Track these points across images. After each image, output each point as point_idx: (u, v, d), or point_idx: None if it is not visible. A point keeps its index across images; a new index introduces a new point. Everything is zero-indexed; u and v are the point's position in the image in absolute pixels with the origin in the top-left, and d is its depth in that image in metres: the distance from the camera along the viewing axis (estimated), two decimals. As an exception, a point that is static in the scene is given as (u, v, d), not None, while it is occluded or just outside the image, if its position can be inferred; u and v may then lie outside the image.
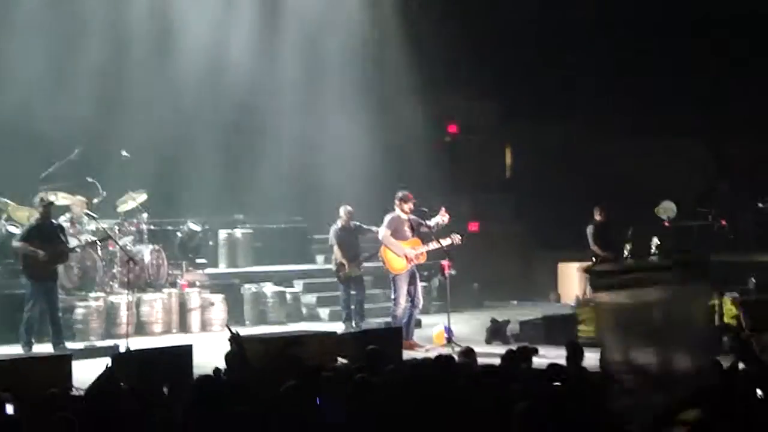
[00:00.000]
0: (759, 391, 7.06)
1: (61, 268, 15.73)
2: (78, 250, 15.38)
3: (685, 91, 21.51)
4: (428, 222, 14.89)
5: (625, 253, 18.75)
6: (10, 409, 7.55)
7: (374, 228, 15.58)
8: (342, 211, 16.58)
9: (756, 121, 21.27)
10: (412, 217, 14.93)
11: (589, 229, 18.15)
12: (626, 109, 21.95)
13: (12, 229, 15.79)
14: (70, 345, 14.21)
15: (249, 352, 9.83)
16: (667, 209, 19.77)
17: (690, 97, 21.44)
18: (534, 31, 21.98)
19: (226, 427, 6.70)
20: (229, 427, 6.70)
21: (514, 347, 10.11)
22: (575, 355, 9.17)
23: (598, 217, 18.16)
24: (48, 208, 14.27)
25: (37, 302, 13.89)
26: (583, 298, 19.68)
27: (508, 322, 15.84)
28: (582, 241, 19.56)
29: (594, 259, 18.18)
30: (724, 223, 19.62)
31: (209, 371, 8.99)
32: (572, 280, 21.45)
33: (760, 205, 20.93)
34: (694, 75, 21.40)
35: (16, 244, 14.29)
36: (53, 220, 14.55)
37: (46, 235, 14.09)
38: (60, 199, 16.52)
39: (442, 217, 14.87)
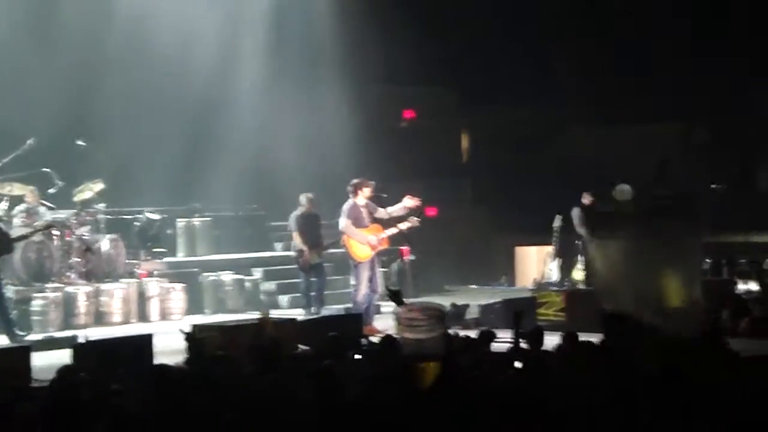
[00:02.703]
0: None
1: (17, 258, 15.67)
2: (21, 240, 15.20)
3: (645, 76, 21.64)
4: (388, 209, 14.91)
5: (555, 226, 19.00)
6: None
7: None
8: (303, 198, 16.60)
9: (714, 102, 21.49)
10: (369, 203, 14.97)
11: (575, 212, 18.27)
12: (582, 93, 22.09)
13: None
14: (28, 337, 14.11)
15: (207, 341, 9.81)
16: (623, 192, 19.93)
17: (650, 82, 21.58)
18: (492, 15, 22.05)
19: (185, 416, 6.70)
20: (189, 416, 6.70)
21: (474, 332, 10.15)
22: (537, 339, 9.24)
23: (586, 201, 18.29)
24: None
25: None
26: (540, 281, 19.88)
27: (467, 306, 15.91)
28: (538, 224, 19.73)
29: (578, 242, 18.31)
30: (680, 206, 19.79)
31: (170, 360, 8.96)
32: (530, 264, 21.61)
33: (713, 186, 21.16)
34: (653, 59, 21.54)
35: None
36: None
37: None
38: (15, 189, 16.41)
39: (408, 203, 14.86)
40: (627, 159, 21.77)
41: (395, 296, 8.84)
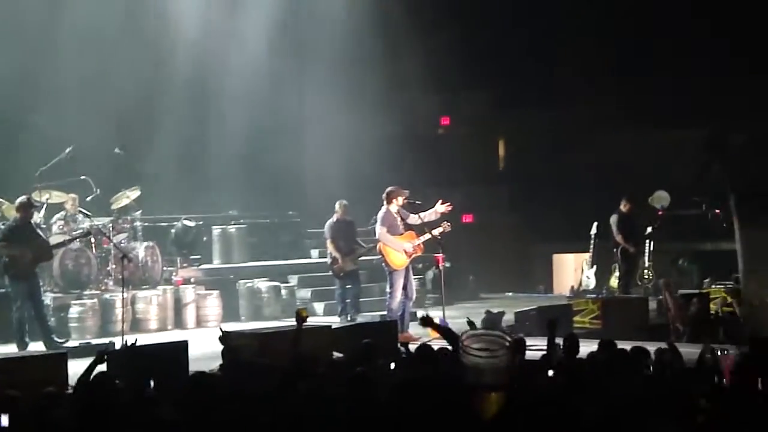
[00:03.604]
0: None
1: (56, 265, 15.79)
2: (60, 247, 15.29)
3: (681, 79, 21.38)
4: (420, 214, 14.86)
5: (593, 233, 18.92)
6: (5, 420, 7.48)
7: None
8: (338, 205, 16.64)
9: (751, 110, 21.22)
10: (401, 209, 14.94)
11: (613, 219, 18.15)
12: (620, 98, 21.91)
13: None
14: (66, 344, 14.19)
15: (244, 349, 9.82)
16: (661, 198, 19.84)
17: (686, 85, 21.31)
18: (524, 21, 21.95)
19: (219, 423, 6.70)
20: (223, 424, 6.71)
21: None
22: (571, 346, 9.15)
23: (623, 208, 18.16)
24: (26, 209, 14.16)
25: (24, 301, 13.85)
26: (577, 288, 19.79)
27: (503, 313, 15.85)
28: (576, 231, 19.63)
29: (615, 249, 18.19)
30: (718, 212, 19.66)
31: (205, 367, 8.98)
32: (568, 271, 21.51)
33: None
34: (688, 62, 21.24)
35: None
36: (30, 221, 14.43)
37: (26, 234, 14.00)
38: (54, 197, 16.52)
39: (440, 208, 14.82)
40: (666, 164, 21.57)
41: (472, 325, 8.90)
